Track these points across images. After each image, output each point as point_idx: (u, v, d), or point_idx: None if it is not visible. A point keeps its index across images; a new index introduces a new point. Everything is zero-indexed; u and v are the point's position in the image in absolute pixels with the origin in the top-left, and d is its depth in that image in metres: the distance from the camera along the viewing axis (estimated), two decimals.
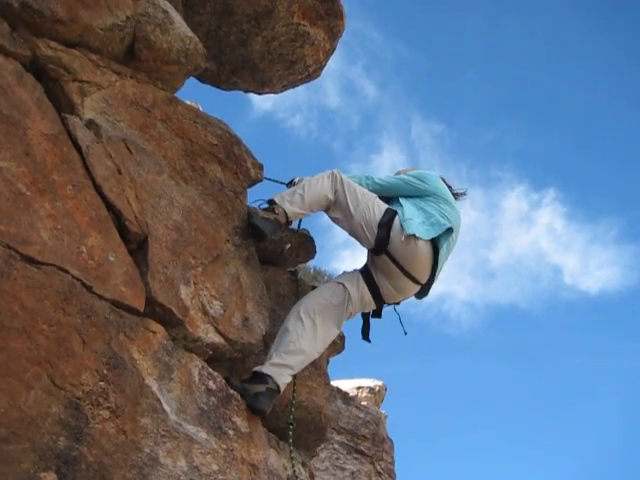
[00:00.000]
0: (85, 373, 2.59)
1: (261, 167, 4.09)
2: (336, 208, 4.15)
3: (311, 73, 4.48)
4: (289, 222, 4.06)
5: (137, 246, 3.17)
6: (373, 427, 9.56)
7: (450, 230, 4.07)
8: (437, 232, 3.98)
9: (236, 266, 3.73)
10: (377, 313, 4.40)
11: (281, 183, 4.44)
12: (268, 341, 3.95)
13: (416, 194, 4.25)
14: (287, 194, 4.04)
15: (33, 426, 2.33)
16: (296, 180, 4.36)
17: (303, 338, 3.79)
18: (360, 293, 4.14)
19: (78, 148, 3.04)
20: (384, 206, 4.13)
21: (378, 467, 9.49)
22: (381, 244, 3.98)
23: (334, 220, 4.25)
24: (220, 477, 3.09)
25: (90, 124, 3.20)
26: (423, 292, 4.33)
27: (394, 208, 4.17)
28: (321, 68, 4.50)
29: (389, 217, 4.02)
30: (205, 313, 3.39)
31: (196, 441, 3.02)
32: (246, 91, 4.55)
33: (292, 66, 4.34)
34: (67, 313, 2.61)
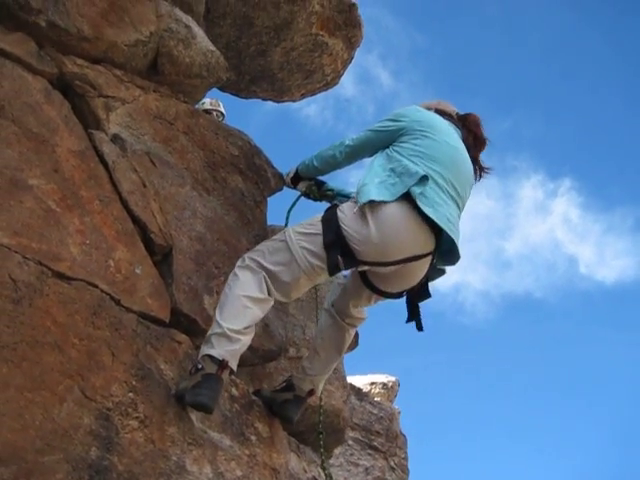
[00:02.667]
0: (115, 385, 2.67)
1: (281, 177, 4.15)
2: (278, 285, 3.14)
3: (329, 82, 4.54)
4: (225, 364, 2.91)
5: (162, 258, 3.25)
6: (386, 423, 9.62)
7: (424, 178, 2.99)
8: (406, 186, 2.95)
9: None
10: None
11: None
12: (287, 346, 4.03)
13: (393, 138, 3.25)
14: (206, 337, 3.02)
15: (66, 437, 2.41)
16: (285, 175, 4.03)
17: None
18: (363, 296, 3.42)
19: (104, 163, 3.13)
20: (315, 218, 3.20)
21: (391, 462, 9.55)
22: (335, 266, 3.09)
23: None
24: None
25: (115, 139, 3.29)
26: (446, 259, 3.27)
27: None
28: (339, 77, 4.57)
29: (331, 225, 3.07)
30: None
31: (221, 448, 3.10)
32: (264, 99, 4.62)
33: (310, 75, 4.39)
34: (97, 327, 2.70)
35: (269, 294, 3.13)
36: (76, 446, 2.44)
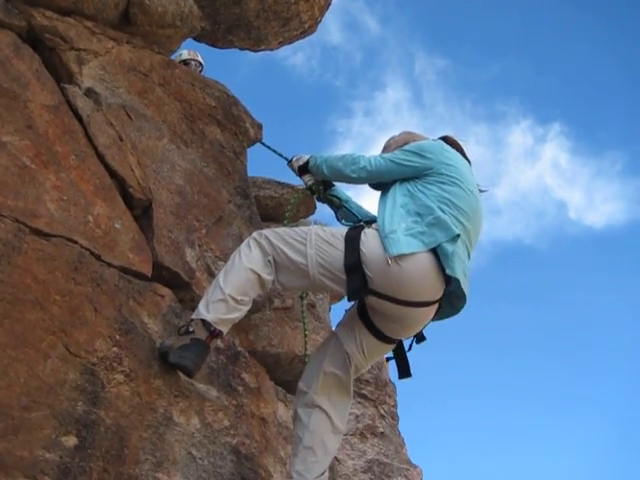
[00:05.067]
0: (98, 340, 2.67)
1: (260, 126, 4.11)
2: (282, 273, 3.08)
3: (307, 29, 4.46)
4: (217, 333, 2.94)
5: (142, 212, 3.23)
6: (375, 372, 9.66)
7: (457, 237, 2.96)
8: (436, 240, 2.90)
9: (239, 226, 3.80)
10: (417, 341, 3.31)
11: (279, 155, 3.98)
12: (272, 297, 4.04)
13: (415, 174, 3.14)
14: (205, 299, 3.02)
15: (52, 393, 2.42)
16: (295, 158, 3.71)
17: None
18: (360, 344, 3.18)
19: (79, 118, 3.09)
20: (340, 231, 3.08)
21: (381, 410, 9.62)
22: (357, 291, 2.95)
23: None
24: (232, 432, 3.21)
25: (89, 92, 3.24)
26: (449, 309, 3.18)
27: (363, 218, 3.34)
28: (317, 24, 4.49)
29: (354, 246, 2.96)
30: (210, 274, 3.47)
31: (207, 399, 3.13)
32: (242, 49, 4.55)
33: (287, 23, 4.32)
34: (78, 282, 2.68)
35: (270, 277, 3.08)
36: (62, 401, 2.44)
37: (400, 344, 3.29)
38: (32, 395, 2.35)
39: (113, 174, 3.11)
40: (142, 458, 2.68)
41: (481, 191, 3.30)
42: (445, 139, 3.38)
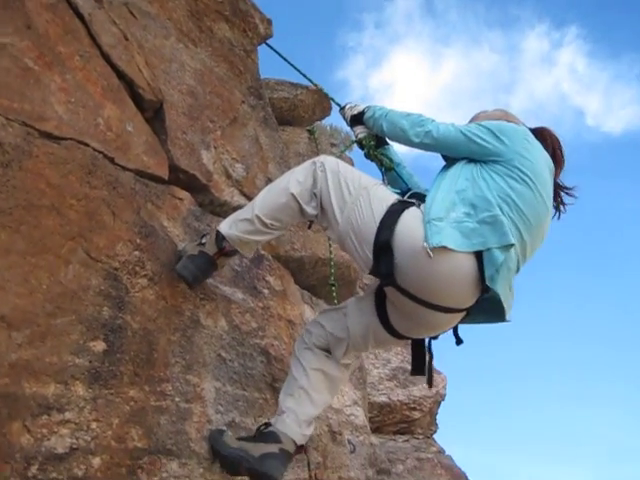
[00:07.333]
0: (119, 244, 2.60)
1: (269, 22, 3.93)
2: (323, 215, 2.73)
3: None
4: (226, 251, 2.78)
5: (153, 114, 3.10)
6: None
7: (511, 246, 2.44)
8: (485, 243, 2.40)
9: (254, 127, 3.67)
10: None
11: (332, 99, 3.72)
12: None
13: (483, 157, 2.64)
14: (236, 213, 2.87)
15: (76, 299, 2.37)
16: (348, 106, 3.34)
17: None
18: (367, 330, 2.79)
19: (80, 16, 2.91)
20: (389, 199, 2.62)
21: None
22: (388, 275, 2.49)
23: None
24: (260, 334, 3.18)
25: None
26: (485, 316, 2.67)
27: (414, 192, 2.80)
28: None
29: (392, 222, 2.49)
30: (228, 176, 3.37)
31: (234, 301, 3.09)
32: None
33: None
34: (93, 186, 2.59)
35: (314, 212, 2.76)
36: (87, 307, 2.40)
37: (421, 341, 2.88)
38: (56, 301, 2.30)
39: (120, 75, 2.96)
40: (172, 361, 2.66)
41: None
42: (541, 131, 2.88)
